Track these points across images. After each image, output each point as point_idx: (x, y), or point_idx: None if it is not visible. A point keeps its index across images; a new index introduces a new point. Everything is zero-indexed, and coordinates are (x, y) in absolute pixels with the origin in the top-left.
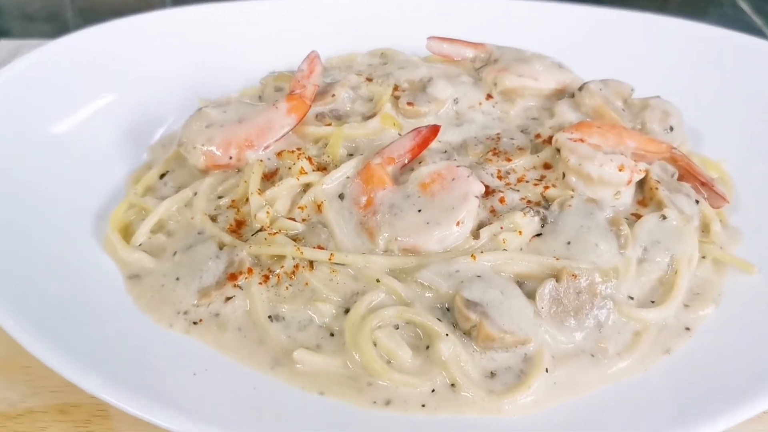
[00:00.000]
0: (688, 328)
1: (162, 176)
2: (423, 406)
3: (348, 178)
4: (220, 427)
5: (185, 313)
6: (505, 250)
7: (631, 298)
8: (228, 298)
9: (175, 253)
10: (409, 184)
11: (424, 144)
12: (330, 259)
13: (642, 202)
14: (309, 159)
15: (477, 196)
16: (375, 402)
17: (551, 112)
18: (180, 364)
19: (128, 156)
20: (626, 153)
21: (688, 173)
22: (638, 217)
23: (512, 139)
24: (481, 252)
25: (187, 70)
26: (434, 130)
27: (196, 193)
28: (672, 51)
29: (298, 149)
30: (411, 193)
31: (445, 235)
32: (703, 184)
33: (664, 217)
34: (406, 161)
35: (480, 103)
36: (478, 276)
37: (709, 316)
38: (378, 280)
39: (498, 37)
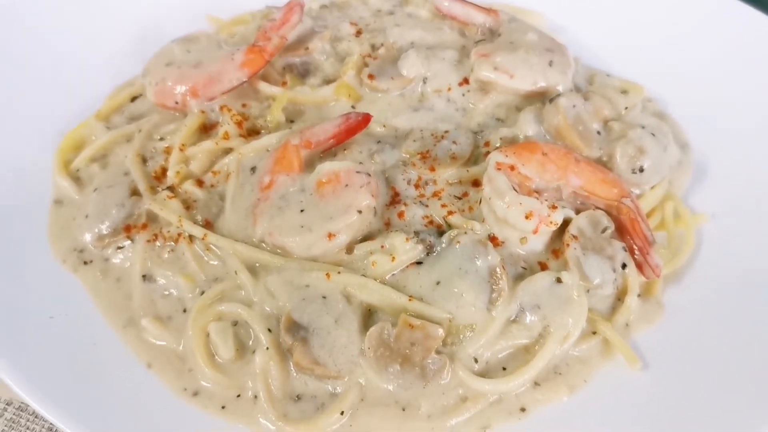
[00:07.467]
0: (523, 409)
1: (134, 99)
2: (223, 407)
3: (268, 151)
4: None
5: (81, 251)
6: (363, 275)
7: (476, 361)
8: (119, 248)
9: (95, 189)
10: (311, 177)
11: (349, 132)
12: (203, 238)
13: (556, 253)
14: (239, 123)
15: (360, 211)
16: (186, 389)
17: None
18: (45, 304)
19: (123, 71)
20: (565, 191)
21: (628, 231)
22: (544, 267)
23: (455, 142)
24: (338, 272)
25: None
26: (364, 119)
27: (140, 130)
28: None
29: (244, 105)
30: (307, 187)
31: (312, 244)
32: (640, 248)
33: (559, 281)
34: (328, 146)
35: (449, 88)
36: (324, 297)
37: (555, 403)
38: (236, 272)
39: None
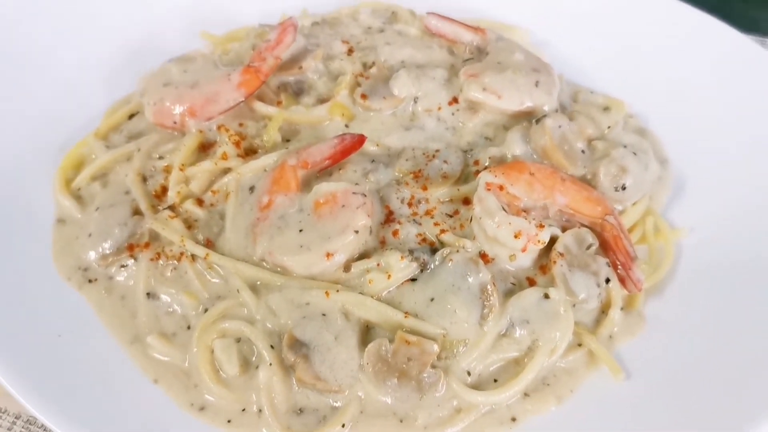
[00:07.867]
0: (514, 419)
1: (131, 116)
2: (229, 421)
3: (266, 171)
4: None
5: (85, 269)
6: (361, 293)
7: (469, 374)
8: (123, 266)
9: (97, 209)
10: (309, 197)
11: (344, 153)
12: (205, 257)
13: (543, 269)
14: (237, 143)
15: (357, 231)
16: (192, 404)
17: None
18: (52, 322)
19: (119, 85)
20: (551, 209)
21: (612, 248)
22: (532, 282)
23: (445, 161)
24: (337, 291)
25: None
26: (359, 141)
27: (139, 150)
28: None
29: (240, 125)
30: (305, 207)
31: (312, 263)
32: (622, 264)
33: (547, 296)
34: (324, 166)
35: (439, 108)
36: (324, 314)
37: (543, 412)
38: (238, 290)
39: None
